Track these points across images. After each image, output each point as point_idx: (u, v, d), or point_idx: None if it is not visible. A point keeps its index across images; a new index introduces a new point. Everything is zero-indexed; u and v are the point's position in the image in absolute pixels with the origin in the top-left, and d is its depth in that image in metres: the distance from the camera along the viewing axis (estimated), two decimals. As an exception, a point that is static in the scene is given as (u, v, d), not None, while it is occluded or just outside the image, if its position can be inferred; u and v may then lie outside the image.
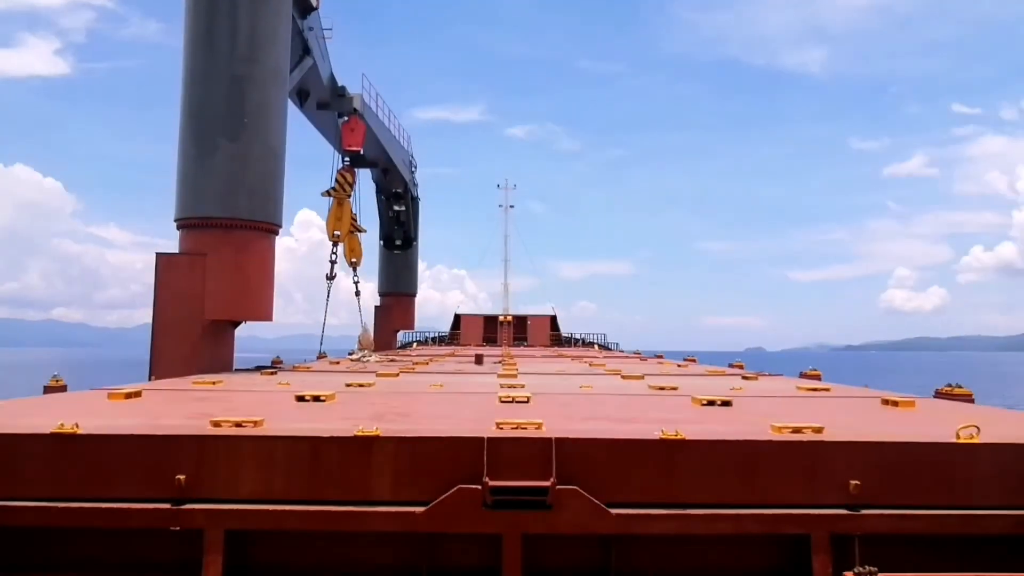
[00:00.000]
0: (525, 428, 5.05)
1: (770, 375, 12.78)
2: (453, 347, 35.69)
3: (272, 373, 11.96)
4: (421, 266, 40.39)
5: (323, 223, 22.49)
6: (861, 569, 4.34)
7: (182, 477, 4.66)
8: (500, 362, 16.81)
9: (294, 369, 13.71)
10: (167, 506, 4.64)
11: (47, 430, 4.79)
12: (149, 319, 14.03)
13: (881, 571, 4.33)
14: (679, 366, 16.42)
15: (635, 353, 28.51)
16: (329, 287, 22.35)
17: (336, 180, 22.58)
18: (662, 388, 9.15)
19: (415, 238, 37.94)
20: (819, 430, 5.08)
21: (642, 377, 11.25)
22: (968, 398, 8.07)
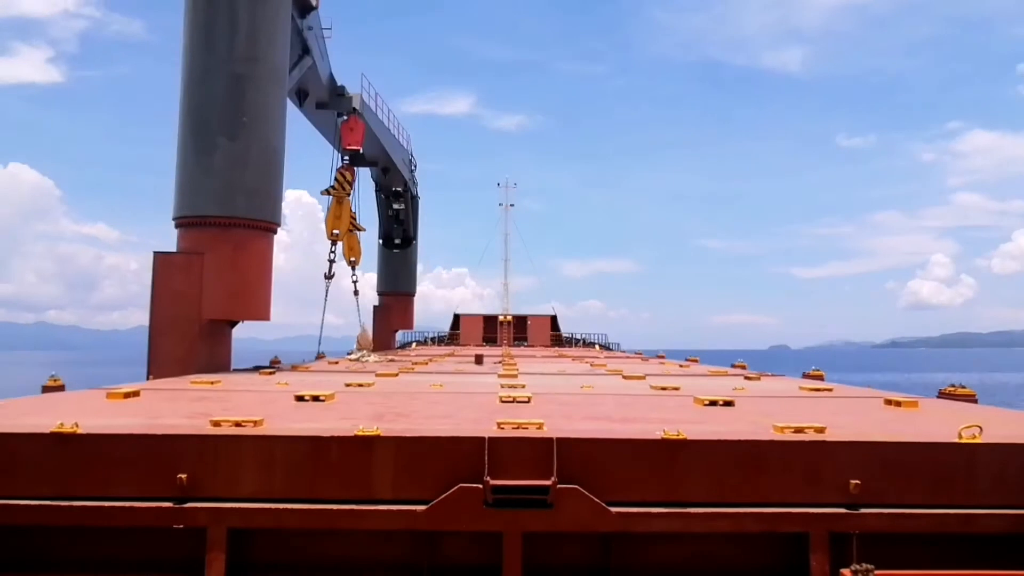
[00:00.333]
0: (526, 428, 5.04)
1: (773, 375, 12.76)
2: (453, 347, 35.69)
3: (271, 373, 11.93)
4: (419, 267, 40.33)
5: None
6: (858, 567, 4.34)
7: (183, 476, 4.65)
8: (500, 362, 16.79)
9: (293, 369, 13.68)
10: (169, 504, 4.64)
11: (47, 430, 4.77)
12: (144, 321, 13.97)
13: (879, 569, 4.33)
14: (681, 366, 16.40)
15: (636, 353, 28.54)
16: (328, 286, 22.35)
17: (335, 179, 22.56)
18: (664, 388, 9.13)
19: (414, 237, 37.88)
20: (821, 430, 5.07)
21: (644, 377, 11.23)
22: (971, 398, 8.05)
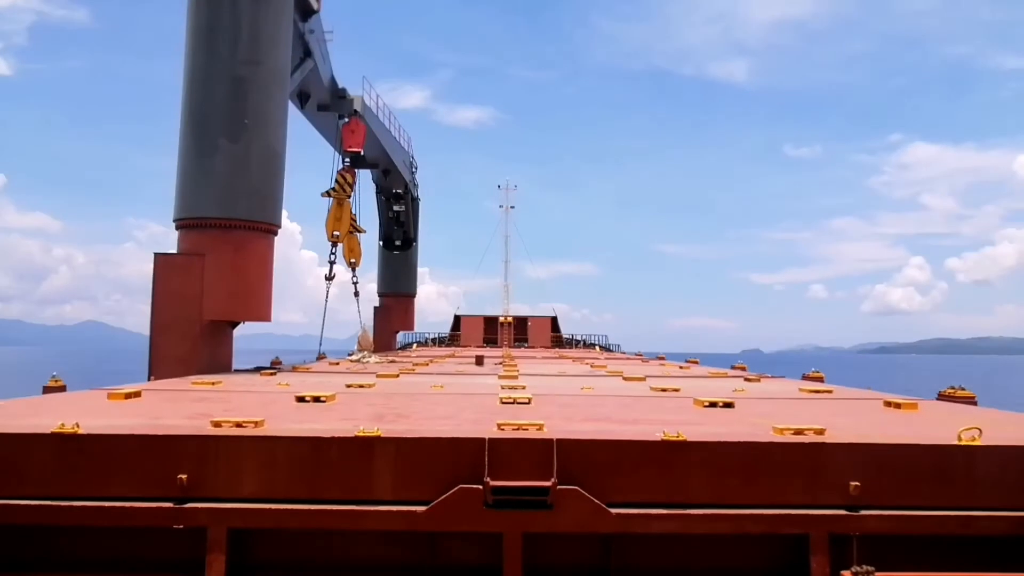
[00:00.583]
0: (526, 429, 5.05)
1: (772, 377, 12.77)
2: (453, 348, 35.72)
3: (271, 374, 11.96)
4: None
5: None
6: (858, 568, 4.35)
7: (183, 477, 4.66)
8: (501, 363, 16.81)
9: (294, 370, 13.70)
10: (170, 505, 4.64)
11: (48, 430, 4.79)
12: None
13: (879, 571, 4.33)
14: (681, 368, 16.41)
15: (637, 355, 28.58)
16: (328, 288, 22.39)
17: (336, 180, 22.59)
18: (664, 390, 9.14)
19: (415, 239, 37.97)
20: (821, 432, 5.08)
21: (644, 379, 11.24)
22: (971, 400, 8.06)
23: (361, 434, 4.78)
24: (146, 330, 13.98)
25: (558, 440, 4.72)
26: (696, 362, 18.45)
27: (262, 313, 14.96)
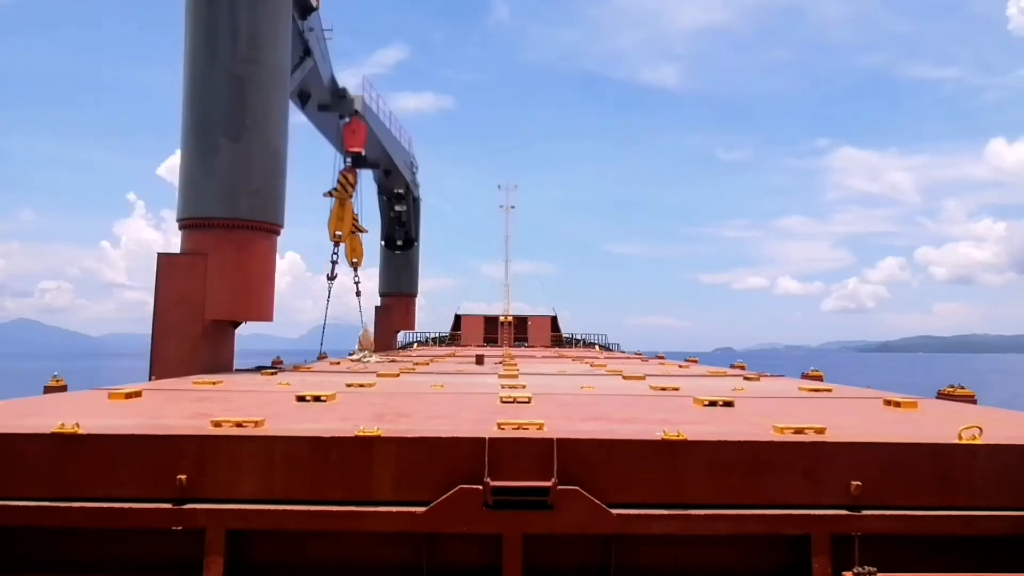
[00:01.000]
0: (526, 428, 5.05)
1: (772, 375, 12.78)
2: (453, 348, 35.77)
3: (272, 373, 11.97)
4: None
5: None
6: (860, 569, 4.35)
7: (183, 477, 4.66)
8: (501, 362, 16.82)
9: (295, 369, 13.73)
10: (168, 506, 4.64)
11: (48, 430, 4.79)
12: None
13: (881, 571, 4.33)
14: (680, 367, 16.42)
15: (636, 354, 28.60)
16: (330, 287, 22.47)
17: (338, 181, 22.69)
18: (664, 389, 9.14)
19: (416, 238, 38.04)
20: (821, 431, 5.07)
21: (643, 378, 11.24)
22: (971, 399, 8.06)
23: (361, 434, 4.78)
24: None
25: (558, 440, 4.72)
26: (695, 361, 18.48)
27: (264, 313, 14.99)
